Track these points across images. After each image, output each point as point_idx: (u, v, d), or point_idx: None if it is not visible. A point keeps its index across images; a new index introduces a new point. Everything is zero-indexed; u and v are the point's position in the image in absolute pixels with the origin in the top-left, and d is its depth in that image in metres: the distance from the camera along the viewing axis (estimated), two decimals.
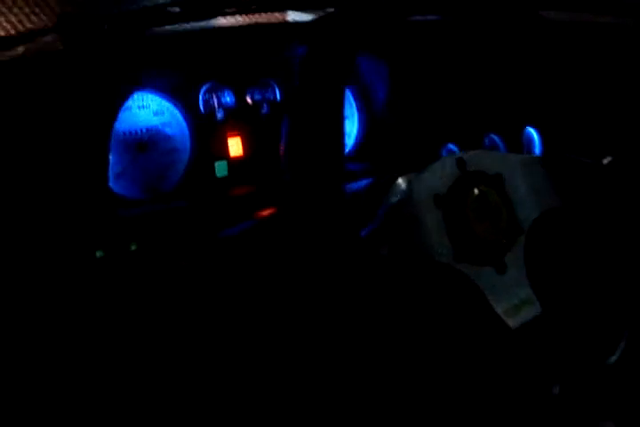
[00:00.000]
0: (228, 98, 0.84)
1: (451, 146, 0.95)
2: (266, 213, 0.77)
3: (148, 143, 0.79)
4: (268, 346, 0.70)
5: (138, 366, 0.72)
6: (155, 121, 0.80)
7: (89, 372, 0.70)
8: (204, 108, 0.82)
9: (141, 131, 0.79)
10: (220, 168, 0.84)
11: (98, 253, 0.72)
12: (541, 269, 0.59)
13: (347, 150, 0.95)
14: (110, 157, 0.75)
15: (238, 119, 0.85)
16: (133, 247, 0.75)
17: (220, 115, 0.83)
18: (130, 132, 0.78)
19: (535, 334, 0.57)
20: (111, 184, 0.76)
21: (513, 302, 0.57)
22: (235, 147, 0.85)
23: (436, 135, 0.96)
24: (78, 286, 0.71)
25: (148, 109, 0.79)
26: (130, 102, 0.78)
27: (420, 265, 0.54)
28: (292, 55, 0.86)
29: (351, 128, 0.96)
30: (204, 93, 0.82)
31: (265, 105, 0.86)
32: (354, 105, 0.96)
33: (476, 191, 0.57)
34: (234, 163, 0.85)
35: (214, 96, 0.83)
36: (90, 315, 0.70)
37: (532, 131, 0.89)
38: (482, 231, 0.57)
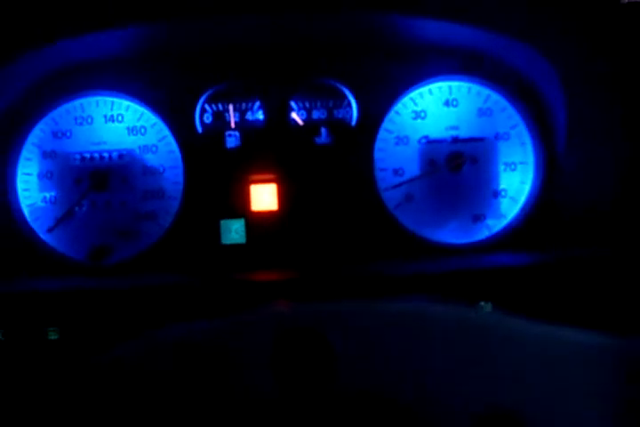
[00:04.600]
0: (260, 112, 0.48)
1: None
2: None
3: (110, 177, 0.49)
4: None
5: None
6: (129, 143, 0.49)
7: None
8: (202, 127, 0.48)
9: (105, 156, 0.48)
10: (229, 231, 0.49)
11: None
12: None
13: (505, 223, 0.51)
14: (48, 193, 0.47)
15: (272, 150, 0.49)
16: (53, 336, 0.45)
17: (232, 141, 0.48)
18: (84, 157, 0.48)
19: None
20: (43, 234, 0.48)
21: None
22: (262, 196, 0.48)
23: None
24: None
25: (120, 124, 0.49)
26: (90, 109, 0.48)
27: None
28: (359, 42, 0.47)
29: (521, 184, 0.51)
30: (205, 103, 0.48)
31: (324, 129, 0.49)
32: (528, 143, 0.51)
33: None
34: (258, 223, 0.49)
35: (230, 108, 0.48)
36: None
37: None
38: None
